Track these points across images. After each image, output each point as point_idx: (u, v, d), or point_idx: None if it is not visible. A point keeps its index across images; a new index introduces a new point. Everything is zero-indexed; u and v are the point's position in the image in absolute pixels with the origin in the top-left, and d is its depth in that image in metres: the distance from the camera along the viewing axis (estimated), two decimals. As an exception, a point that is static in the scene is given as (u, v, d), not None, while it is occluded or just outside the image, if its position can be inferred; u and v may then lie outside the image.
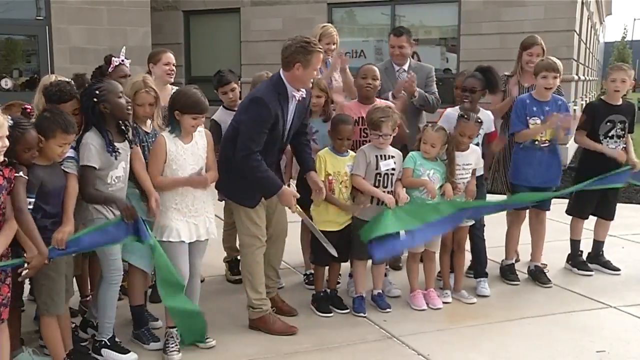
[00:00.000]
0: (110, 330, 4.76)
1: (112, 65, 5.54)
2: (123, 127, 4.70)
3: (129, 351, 4.75)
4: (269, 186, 5.06)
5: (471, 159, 5.74)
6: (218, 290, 6.11)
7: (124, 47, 5.76)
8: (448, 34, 13.96)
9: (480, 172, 6.05)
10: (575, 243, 6.78)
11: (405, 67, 6.69)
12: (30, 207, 4.06)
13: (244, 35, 14.43)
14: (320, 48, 5.07)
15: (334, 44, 6.57)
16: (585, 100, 21.24)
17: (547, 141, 6.18)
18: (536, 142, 6.18)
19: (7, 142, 3.90)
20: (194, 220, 4.83)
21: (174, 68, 6.14)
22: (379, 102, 5.83)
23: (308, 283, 6.28)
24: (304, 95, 5.20)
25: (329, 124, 5.62)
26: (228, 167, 5.09)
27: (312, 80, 5.29)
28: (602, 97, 6.87)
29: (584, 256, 6.80)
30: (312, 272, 6.02)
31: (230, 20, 14.76)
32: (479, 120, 5.70)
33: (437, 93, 6.64)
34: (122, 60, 5.60)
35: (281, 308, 5.58)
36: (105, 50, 6.36)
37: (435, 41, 14.20)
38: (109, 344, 4.74)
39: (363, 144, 5.65)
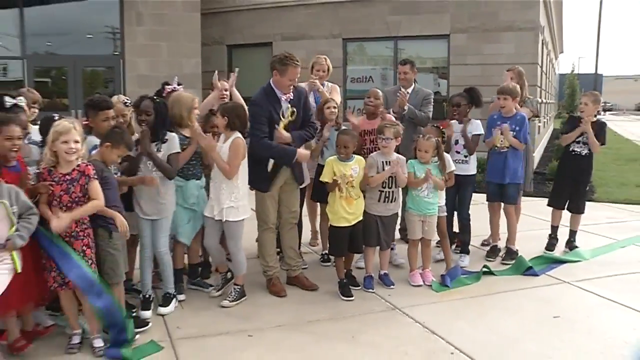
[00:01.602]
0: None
1: (166, 91, 5.52)
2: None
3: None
4: (286, 154, 5.14)
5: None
6: (254, 266, 5.97)
7: (176, 77, 5.77)
8: (439, 64, 13.90)
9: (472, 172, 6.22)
10: (553, 228, 6.80)
11: (410, 89, 6.62)
12: None
13: (276, 64, 14.33)
14: (295, 63, 5.10)
15: (323, 71, 6.48)
16: (548, 118, 21.25)
17: (506, 147, 6.13)
18: (496, 148, 6.19)
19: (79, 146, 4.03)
20: None
21: (225, 94, 5.95)
22: (387, 117, 5.84)
23: (323, 261, 6.28)
24: (292, 97, 5.21)
25: None
26: (251, 160, 5.10)
27: (291, 88, 5.24)
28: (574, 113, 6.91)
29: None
30: (327, 252, 6.09)
31: (264, 52, 14.71)
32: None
33: (430, 113, 6.61)
34: (175, 87, 5.57)
35: (304, 284, 5.50)
36: (165, 77, 6.32)
37: (429, 69, 14.12)
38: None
39: (372, 152, 5.60)
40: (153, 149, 4.74)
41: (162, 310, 4.87)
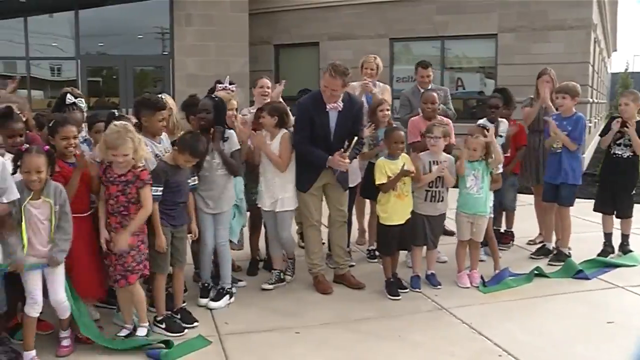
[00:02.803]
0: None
1: (217, 90, 5.59)
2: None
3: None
4: (319, 159, 5.15)
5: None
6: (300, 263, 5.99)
7: (228, 76, 5.83)
8: (486, 64, 13.73)
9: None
10: (606, 235, 6.48)
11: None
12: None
13: (322, 63, 14.32)
14: (331, 73, 5.02)
15: (372, 69, 6.58)
16: (599, 119, 20.74)
17: (560, 148, 6.00)
18: (552, 148, 6.07)
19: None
20: None
21: (266, 91, 6.08)
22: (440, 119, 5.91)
23: (370, 257, 6.26)
24: (340, 108, 5.15)
25: None
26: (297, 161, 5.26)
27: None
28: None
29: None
30: (374, 248, 6.18)
31: (311, 52, 14.82)
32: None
33: (453, 109, 6.93)
34: (226, 86, 5.66)
35: (351, 282, 5.49)
36: (213, 77, 6.45)
37: (475, 69, 13.99)
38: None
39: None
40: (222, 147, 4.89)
41: (212, 304, 4.94)
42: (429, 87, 6.73)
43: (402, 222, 5.29)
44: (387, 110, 5.93)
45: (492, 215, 5.79)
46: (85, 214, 4.22)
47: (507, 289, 5.42)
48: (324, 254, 5.70)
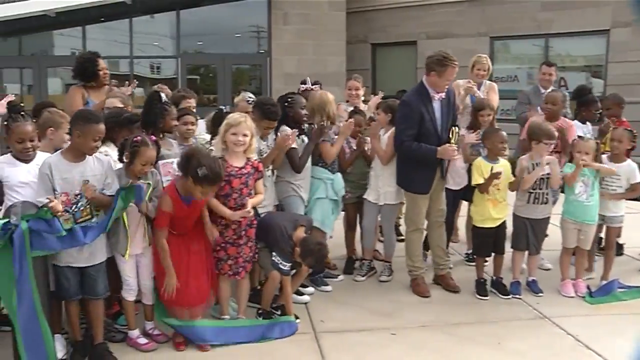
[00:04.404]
0: None
1: (300, 89, 5.91)
2: (302, 127, 5.16)
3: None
4: (428, 153, 5.08)
5: (622, 172, 5.36)
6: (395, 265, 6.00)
7: (308, 77, 6.16)
8: (593, 62, 13.19)
9: None
10: None
11: (549, 90, 6.54)
12: None
13: (420, 62, 14.21)
14: (454, 64, 5.03)
15: (484, 71, 6.55)
16: None
17: None
18: None
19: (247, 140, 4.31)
20: None
21: (354, 93, 6.24)
22: (561, 121, 5.81)
23: (468, 261, 6.16)
24: (443, 97, 5.16)
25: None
26: (406, 163, 5.27)
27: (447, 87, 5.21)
28: None
29: None
30: (471, 251, 6.08)
31: (408, 50, 14.77)
32: None
33: (571, 113, 6.63)
34: (309, 87, 5.93)
35: (449, 284, 5.47)
36: (310, 75, 6.62)
37: (580, 68, 13.47)
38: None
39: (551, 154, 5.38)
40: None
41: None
42: (551, 87, 6.64)
43: (495, 225, 5.23)
44: (489, 115, 5.82)
45: (621, 225, 5.61)
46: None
47: (617, 301, 5.19)
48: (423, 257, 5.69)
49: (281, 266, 4.45)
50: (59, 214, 3.58)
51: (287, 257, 4.47)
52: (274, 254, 4.46)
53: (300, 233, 4.55)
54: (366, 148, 5.74)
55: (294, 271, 4.68)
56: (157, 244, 4.12)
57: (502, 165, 5.21)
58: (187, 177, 4.00)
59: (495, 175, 5.08)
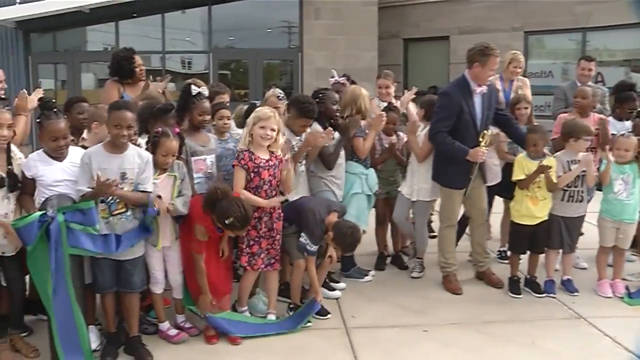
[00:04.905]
0: None
1: (330, 83, 6.05)
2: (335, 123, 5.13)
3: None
4: (458, 151, 5.06)
5: None
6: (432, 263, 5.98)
7: (334, 70, 6.27)
8: (633, 56, 12.87)
9: None
10: None
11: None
12: None
13: (452, 58, 14.22)
14: (496, 53, 5.05)
15: (520, 68, 6.57)
16: None
17: None
18: None
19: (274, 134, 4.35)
20: None
21: (384, 91, 6.25)
22: (593, 116, 5.72)
23: (500, 258, 6.11)
24: (485, 91, 5.12)
25: None
26: (436, 155, 5.31)
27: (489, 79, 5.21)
28: None
29: None
30: (505, 249, 6.05)
31: (440, 46, 14.62)
32: None
33: (610, 110, 6.48)
34: (337, 80, 6.05)
35: (491, 280, 5.46)
36: (341, 71, 6.60)
37: (619, 63, 13.15)
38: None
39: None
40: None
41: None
42: (589, 83, 6.53)
43: (533, 223, 5.15)
44: (525, 108, 5.76)
45: None
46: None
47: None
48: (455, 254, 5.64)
49: (308, 247, 4.47)
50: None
51: (316, 240, 4.49)
52: (302, 235, 4.48)
53: (333, 218, 4.57)
54: (398, 147, 5.76)
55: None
56: (195, 266, 4.21)
57: (548, 161, 5.10)
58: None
59: (543, 169, 4.99)
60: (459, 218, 5.55)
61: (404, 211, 5.70)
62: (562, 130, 5.26)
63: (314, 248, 4.50)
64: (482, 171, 5.31)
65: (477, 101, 5.12)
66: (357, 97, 5.37)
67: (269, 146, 4.39)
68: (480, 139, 5.05)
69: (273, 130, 4.32)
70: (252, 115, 4.40)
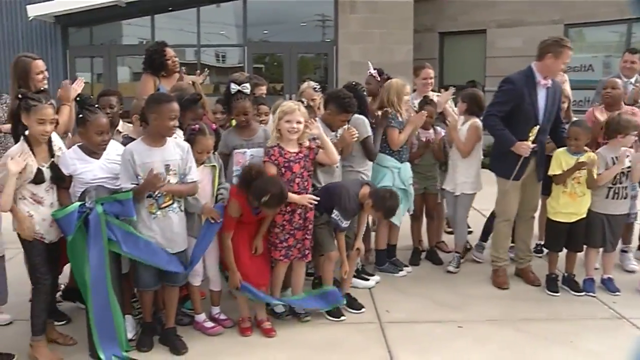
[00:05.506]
0: None
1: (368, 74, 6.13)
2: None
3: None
4: (505, 140, 5.06)
5: None
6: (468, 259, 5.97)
7: (369, 62, 6.31)
8: (681, 48, 12.54)
9: None
10: None
11: (633, 80, 6.38)
12: None
13: (489, 52, 14.07)
14: (570, 46, 5.02)
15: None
16: None
17: None
18: None
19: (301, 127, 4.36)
20: None
21: (429, 82, 6.24)
22: (626, 108, 5.54)
23: (536, 252, 6.02)
24: (549, 85, 5.07)
25: None
26: (494, 147, 5.36)
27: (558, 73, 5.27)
28: None
29: None
30: (542, 242, 5.97)
31: (477, 39, 14.42)
32: None
33: None
34: (371, 72, 6.07)
35: (529, 278, 5.40)
36: (376, 64, 6.55)
37: (667, 55, 12.82)
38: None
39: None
40: None
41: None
42: (635, 78, 6.42)
43: (571, 220, 5.06)
44: (563, 102, 5.65)
45: None
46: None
47: None
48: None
49: (340, 222, 4.47)
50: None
51: (347, 215, 4.50)
52: (334, 212, 4.47)
53: (367, 189, 4.60)
54: (435, 141, 5.74)
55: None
56: (222, 244, 4.24)
57: (588, 157, 5.01)
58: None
59: (580, 166, 4.91)
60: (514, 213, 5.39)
61: (452, 206, 5.75)
62: (608, 127, 5.14)
63: (346, 223, 4.51)
64: (538, 167, 5.23)
65: (542, 94, 5.07)
66: (389, 89, 5.41)
67: (297, 138, 4.41)
68: (530, 134, 4.97)
69: (299, 122, 4.34)
70: (278, 110, 4.44)
